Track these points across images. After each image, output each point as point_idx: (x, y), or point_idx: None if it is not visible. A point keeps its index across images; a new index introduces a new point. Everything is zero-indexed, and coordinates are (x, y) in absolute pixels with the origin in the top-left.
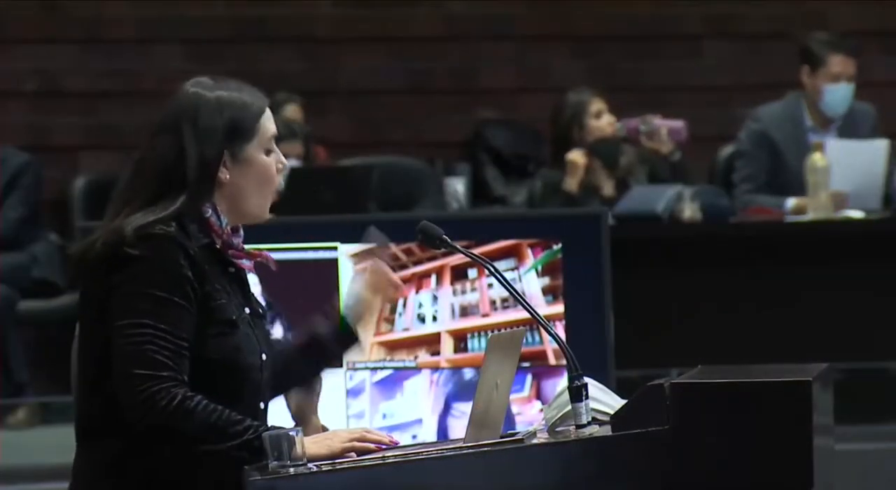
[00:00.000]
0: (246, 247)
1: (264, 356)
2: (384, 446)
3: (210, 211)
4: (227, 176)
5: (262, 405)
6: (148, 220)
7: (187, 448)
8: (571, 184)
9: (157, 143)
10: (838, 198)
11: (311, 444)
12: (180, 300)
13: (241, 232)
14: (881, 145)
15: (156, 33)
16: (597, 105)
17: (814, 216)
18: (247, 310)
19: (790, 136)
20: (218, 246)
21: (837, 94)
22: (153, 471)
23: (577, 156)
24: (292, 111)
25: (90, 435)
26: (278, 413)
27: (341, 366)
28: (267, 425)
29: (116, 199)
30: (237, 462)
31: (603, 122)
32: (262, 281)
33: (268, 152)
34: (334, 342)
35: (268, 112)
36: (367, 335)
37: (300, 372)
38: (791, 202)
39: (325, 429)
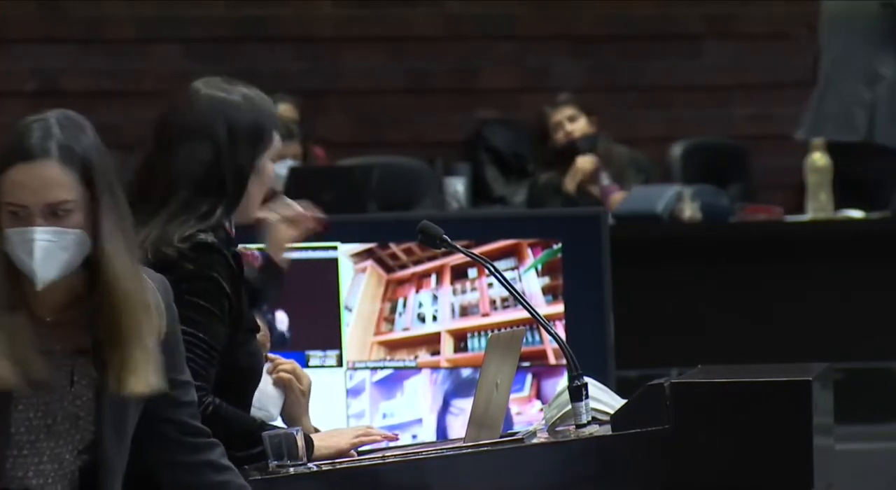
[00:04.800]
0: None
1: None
2: (387, 443)
3: None
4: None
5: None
6: (195, 229)
7: None
8: (570, 184)
9: (186, 149)
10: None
11: (318, 443)
12: (218, 312)
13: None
14: None
15: (156, 33)
16: (567, 112)
17: (814, 216)
18: None
19: None
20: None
21: None
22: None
23: (585, 162)
24: (286, 110)
25: None
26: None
27: None
28: (276, 427)
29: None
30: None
31: (575, 127)
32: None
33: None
34: None
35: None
36: (368, 335)
37: None
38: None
39: (316, 430)
